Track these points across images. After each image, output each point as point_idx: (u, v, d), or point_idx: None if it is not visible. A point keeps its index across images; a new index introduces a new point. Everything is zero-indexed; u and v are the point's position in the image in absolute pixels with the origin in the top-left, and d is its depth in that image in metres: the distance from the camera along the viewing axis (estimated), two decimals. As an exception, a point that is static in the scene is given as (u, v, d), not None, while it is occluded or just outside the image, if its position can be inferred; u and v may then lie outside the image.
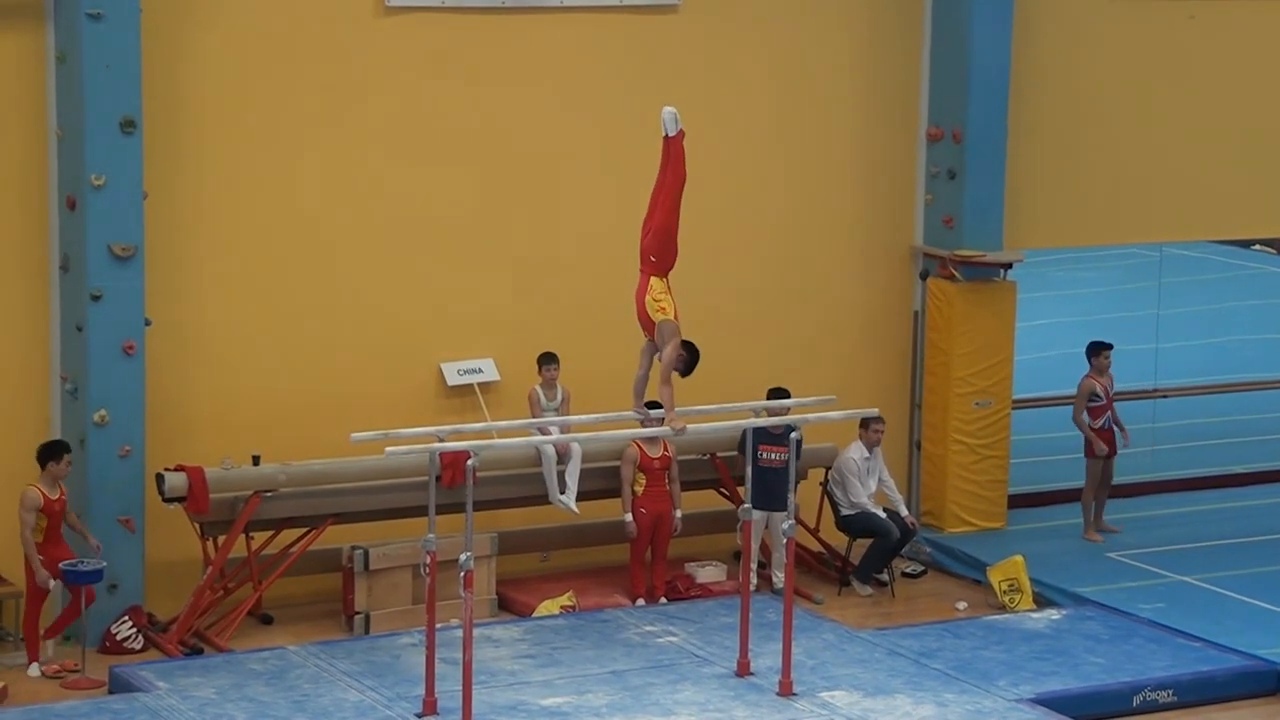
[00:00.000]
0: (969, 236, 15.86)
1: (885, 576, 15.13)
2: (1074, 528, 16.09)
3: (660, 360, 11.63)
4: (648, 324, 11.68)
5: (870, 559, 14.94)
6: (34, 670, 12.96)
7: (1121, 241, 19.02)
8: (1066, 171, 16.38)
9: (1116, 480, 16.23)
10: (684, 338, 11.73)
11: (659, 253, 11.68)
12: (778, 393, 14.16)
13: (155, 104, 13.52)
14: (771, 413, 13.68)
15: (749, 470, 13.18)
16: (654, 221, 11.71)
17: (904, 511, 15.07)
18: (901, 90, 15.97)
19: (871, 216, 16.04)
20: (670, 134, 11.76)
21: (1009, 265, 16.00)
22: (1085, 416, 15.76)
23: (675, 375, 11.72)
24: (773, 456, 14.34)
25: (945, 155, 15.92)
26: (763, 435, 14.19)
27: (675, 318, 11.65)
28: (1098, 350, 15.93)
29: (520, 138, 14.84)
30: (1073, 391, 16.12)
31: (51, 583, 12.94)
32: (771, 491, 14.06)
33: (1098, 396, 15.76)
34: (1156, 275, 19.73)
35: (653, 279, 11.67)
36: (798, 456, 13.56)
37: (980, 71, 15.68)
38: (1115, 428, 15.83)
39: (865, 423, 14.90)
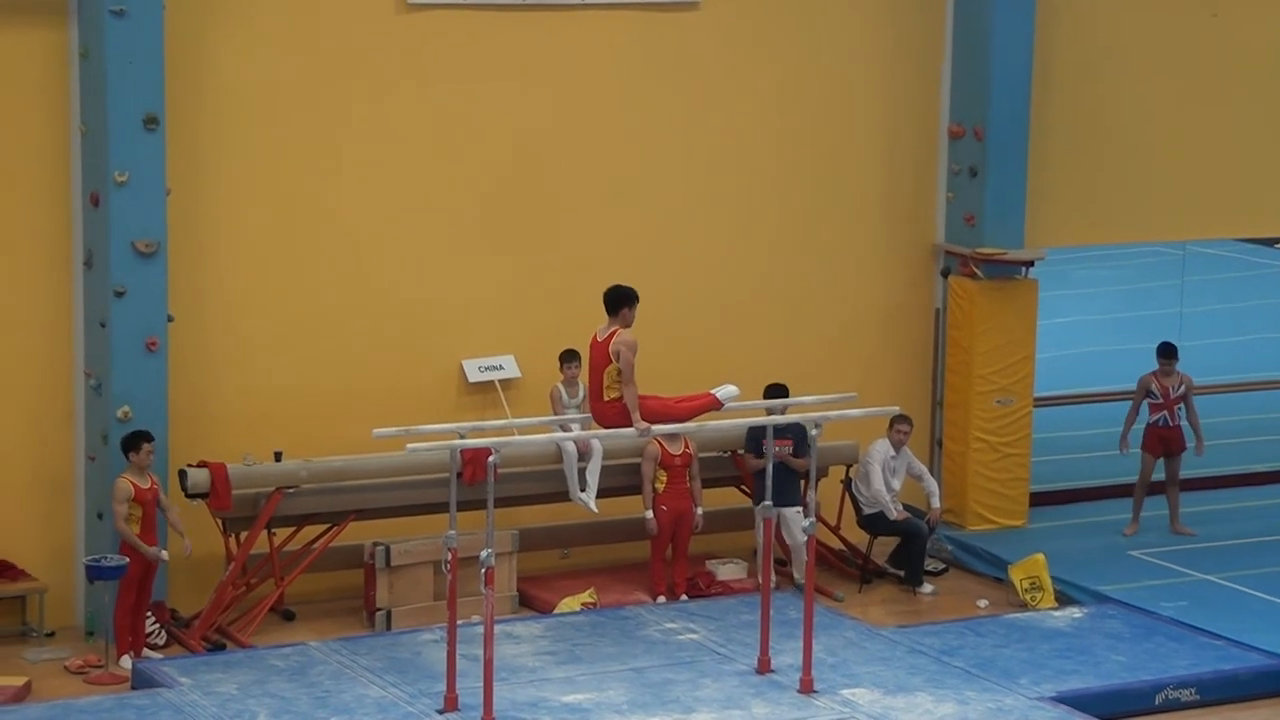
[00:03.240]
0: (990, 234, 15.90)
1: (902, 572, 15.23)
2: (1095, 526, 16.10)
3: (620, 365, 11.88)
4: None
5: (915, 560, 14.99)
6: (125, 662, 13.05)
7: (1144, 239, 18.99)
8: (1088, 169, 16.38)
9: (1135, 479, 16.22)
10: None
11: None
12: (776, 390, 14.20)
13: (178, 100, 13.59)
14: (777, 411, 13.70)
15: (769, 468, 13.21)
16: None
17: (936, 503, 15.09)
18: (923, 87, 15.99)
19: (892, 214, 16.06)
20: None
21: (1031, 263, 16.02)
22: (1145, 411, 15.85)
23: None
24: (777, 450, 14.34)
25: (967, 153, 15.95)
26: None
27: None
28: (1161, 352, 15.91)
29: (542, 134, 14.87)
30: (1096, 389, 16.15)
31: (164, 553, 13.08)
32: (776, 486, 14.11)
33: (1154, 394, 15.81)
34: (1179, 273, 19.72)
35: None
36: (805, 450, 13.54)
37: (1002, 69, 15.71)
38: (1181, 429, 15.81)
39: (891, 422, 14.95)
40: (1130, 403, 15.96)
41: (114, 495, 13.08)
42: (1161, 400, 15.84)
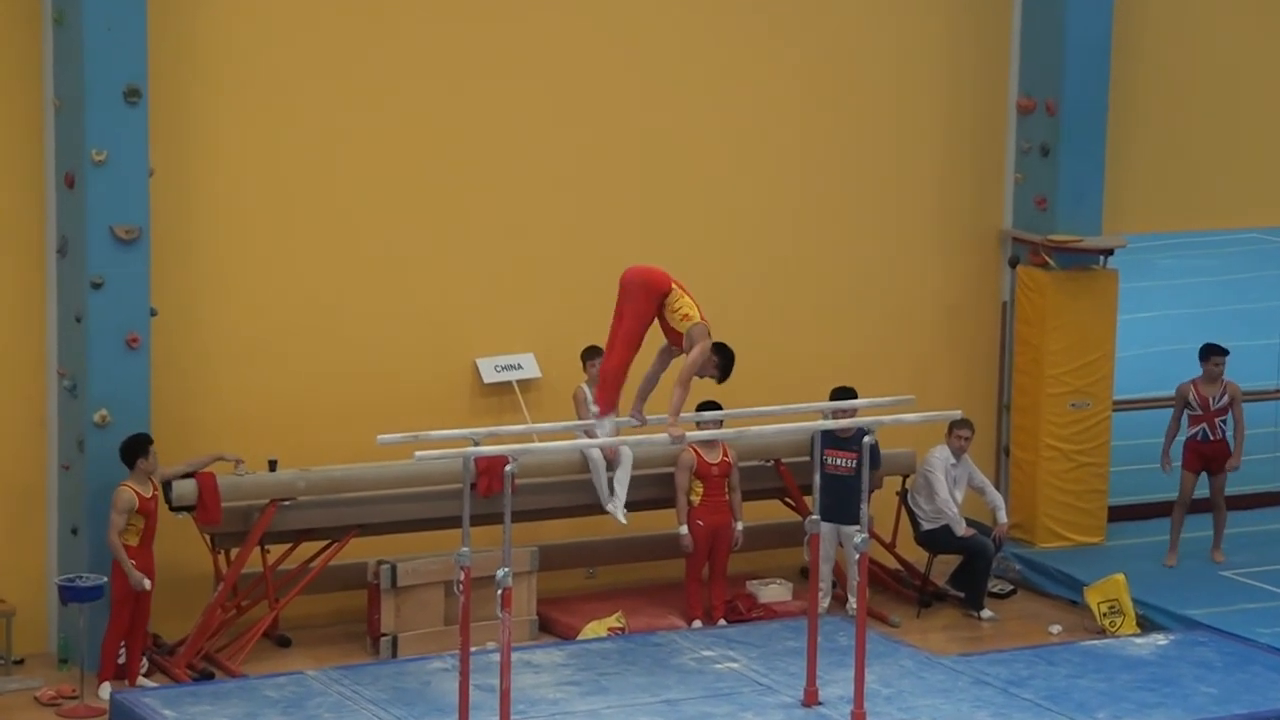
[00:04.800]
0: (1064, 219, 15.84)
1: (963, 594, 15.18)
2: (1181, 543, 15.97)
3: (685, 359, 11.64)
4: (675, 337, 11.73)
5: (979, 580, 15.00)
6: (105, 691, 13.09)
7: (1237, 225, 18.99)
8: (1175, 146, 16.34)
9: (1230, 491, 16.09)
10: (718, 340, 11.73)
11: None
12: (843, 392, 14.18)
13: (162, 70, 13.59)
14: (839, 414, 13.69)
15: (816, 478, 13.20)
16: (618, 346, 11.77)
17: (1004, 518, 15.09)
18: (988, 55, 15.95)
19: (955, 197, 16.03)
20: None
21: (1109, 251, 15.98)
22: (1185, 424, 15.68)
23: (711, 381, 11.74)
24: (839, 463, 14.36)
25: (1038, 128, 15.89)
26: (829, 439, 14.21)
27: (702, 319, 11.68)
28: (1206, 354, 15.77)
29: (562, 115, 14.87)
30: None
31: (146, 582, 13.13)
32: (840, 502, 14.08)
33: (1191, 405, 15.65)
34: (1279, 263, 19.63)
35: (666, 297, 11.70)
36: (874, 463, 13.56)
37: (1078, 34, 15.64)
38: (1225, 443, 15.64)
39: (950, 427, 14.93)
40: (1177, 419, 15.74)
41: (114, 504, 13.13)
42: (1201, 412, 15.65)
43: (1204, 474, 15.79)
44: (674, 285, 11.80)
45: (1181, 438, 15.79)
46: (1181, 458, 15.78)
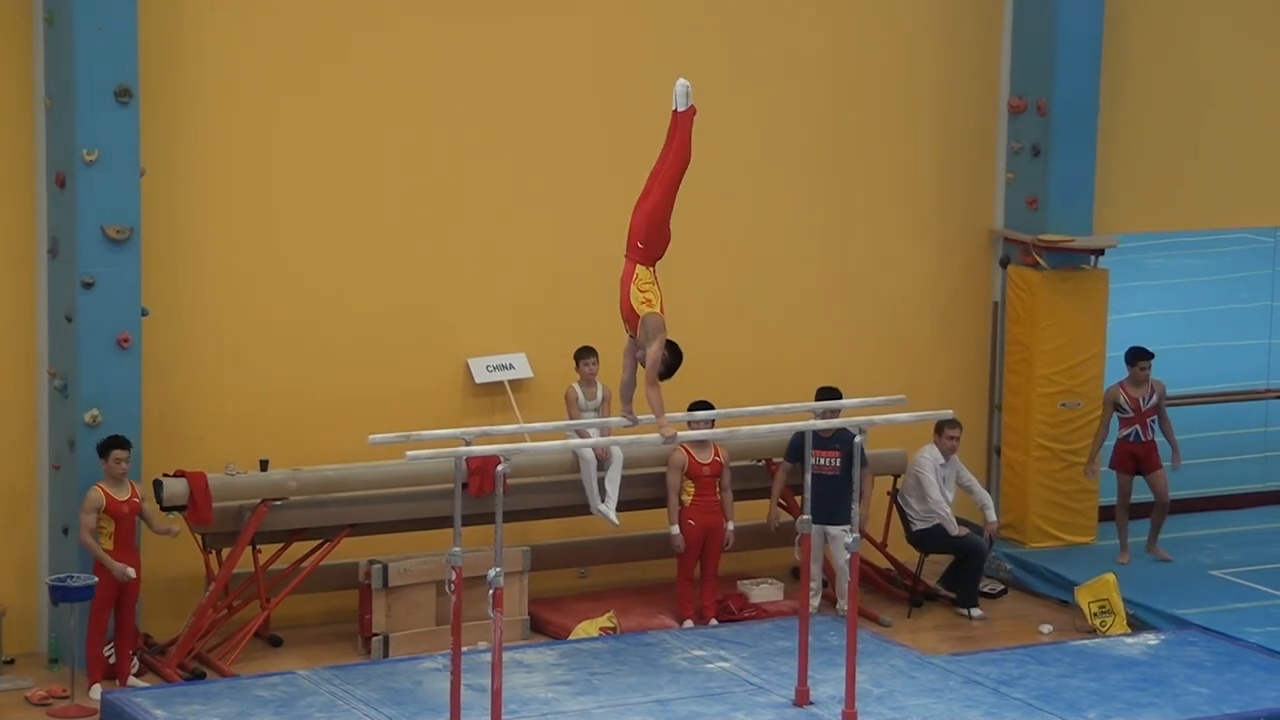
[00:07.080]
0: (1055, 219, 15.87)
1: (954, 594, 15.24)
2: (1171, 543, 16.05)
3: (644, 361, 11.45)
4: (631, 317, 11.50)
5: (970, 580, 15.06)
6: (95, 691, 13.11)
7: (1229, 225, 19.01)
8: (1165, 145, 16.36)
9: (1220, 490, 16.19)
10: (670, 337, 11.50)
11: (649, 240, 11.47)
12: (827, 392, 14.21)
13: (153, 70, 13.62)
14: (826, 414, 13.69)
15: (808, 478, 13.24)
16: (647, 203, 11.54)
17: (992, 517, 15.13)
18: (980, 55, 15.99)
19: (946, 197, 16.07)
20: (680, 109, 11.59)
21: (1100, 251, 16.01)
22: (1116, 426, 15.70)
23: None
24: (822, 463, 14.39)
25: (1029, 128, 15.93)
26: (813, 439, 14.22)
27: (661, 311, 11.48)
28: (1133, 359, 15.72)
29: (557, 111, 14.91)
30: (1173, 391, 16.10)
31: (130, 571, 13.15)
32: (824, 502, 14.11)
33: (1122, 408, 15.64)
34: (1270, 262, 19.65)
35: (639, 267, 11.50)
36: (863, 463, 13.60)
37: (1069, 34, 15.68)
38: (1155, 443, 15.66)
39: (939, 427, 14.97)
40: (1105, 423, 15.72)
41: (83, 504, 13.15)
42: (1132, 414, 15.66)
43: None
44: (655, 265, 11.55)
45: (1111, 440, 15.79)
46: (1113, 459, 15.76)
